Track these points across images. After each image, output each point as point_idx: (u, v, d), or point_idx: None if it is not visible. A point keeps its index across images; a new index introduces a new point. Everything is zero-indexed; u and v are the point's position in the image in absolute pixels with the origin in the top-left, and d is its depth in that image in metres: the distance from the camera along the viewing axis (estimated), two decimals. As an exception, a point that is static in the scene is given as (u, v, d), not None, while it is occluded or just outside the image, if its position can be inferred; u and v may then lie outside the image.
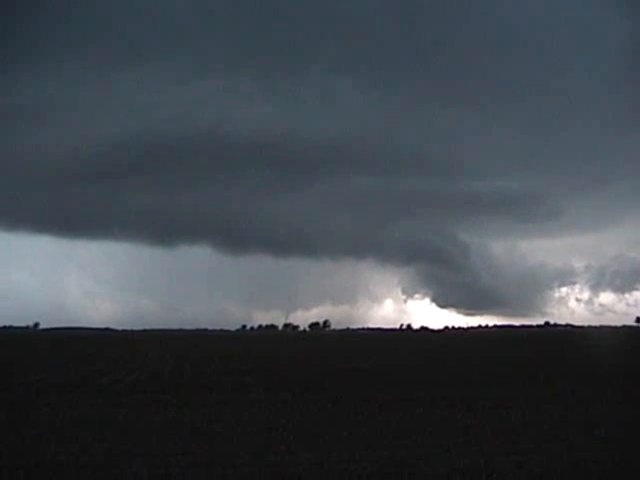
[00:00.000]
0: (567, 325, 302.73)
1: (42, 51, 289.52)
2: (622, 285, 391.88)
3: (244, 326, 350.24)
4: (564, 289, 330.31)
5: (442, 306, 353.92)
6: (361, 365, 51.65)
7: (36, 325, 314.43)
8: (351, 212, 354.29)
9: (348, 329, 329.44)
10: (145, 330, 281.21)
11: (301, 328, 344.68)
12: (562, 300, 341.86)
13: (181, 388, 34.45)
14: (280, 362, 57.39)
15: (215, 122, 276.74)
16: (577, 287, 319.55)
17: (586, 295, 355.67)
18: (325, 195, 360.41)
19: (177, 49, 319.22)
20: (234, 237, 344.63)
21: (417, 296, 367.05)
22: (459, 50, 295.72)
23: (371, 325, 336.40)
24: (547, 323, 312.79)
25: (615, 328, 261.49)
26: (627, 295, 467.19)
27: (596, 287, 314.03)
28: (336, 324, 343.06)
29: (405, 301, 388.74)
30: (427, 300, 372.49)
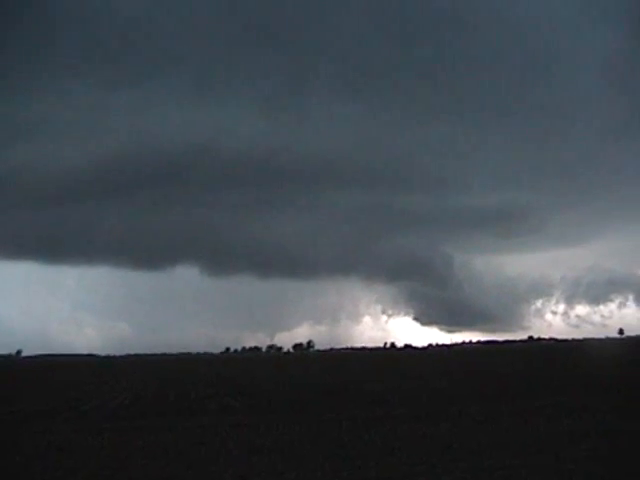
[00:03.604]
0: (550, 339, 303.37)
1: (40, 69, 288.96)
2: (597, 296, 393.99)
3: (228, 349, 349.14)
4: (540, 301, 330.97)
5: (425, 323, 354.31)
6: (344, 385, 51.47)
7: (19, 352, 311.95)
8: (335, 230, 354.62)
9: (332, 349, 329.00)
10: (128, 355, 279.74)
11: (285, 349, 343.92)
12: (539, 313, 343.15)
13: (164, 412, 34.20)
14: (264, 384, 57.10)
15: (203, 143, 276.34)
16: (553, 299, 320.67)
17: (562, 307, 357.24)
18: (310, 213, 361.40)
19: (176, 68, 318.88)
20: (219, 258, 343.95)
21: (400, 314, 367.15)
22: (447, 69, 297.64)
23: (355, 344, 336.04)
24: (531, 337, 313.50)
25: (599, 340, 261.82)
26: (602, 307, 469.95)
27: (571, 299, 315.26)
28: (320, 344, 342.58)
29: (388, 319, 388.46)
30: (410, 318, 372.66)
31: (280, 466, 17.72)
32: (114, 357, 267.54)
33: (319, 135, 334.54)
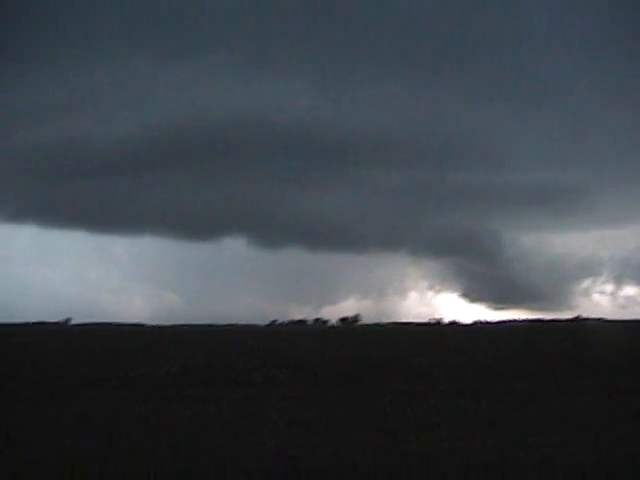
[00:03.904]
0: (598, 319, 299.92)
1: (91, 41, 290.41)
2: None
3: (274, 321, 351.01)
4: (587, 281, 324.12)
5: (472, 300, 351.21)
6: (390, 359, 51.32)
7: (68, 320, 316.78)
8: (384, 205, 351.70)
9: (378, 323, 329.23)
10: (176, 325, 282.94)
11: (331, 323, 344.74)
12: (586, 292, 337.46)
13: (211, 383, 34.50)
14: (309, 357, 57.18)
15: (254, 116, 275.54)
16: (601, 279, 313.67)
17: (609, 288, 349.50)
18: (359, 188, 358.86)
19: (227, 41, 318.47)
20: (267, 230, 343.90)
21: (447, 290, 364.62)
22: (495, 47, 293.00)
23: (401, 320, 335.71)
24: (578, 317, 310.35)
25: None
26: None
27: (619, 279, 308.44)
28: (366, 319, 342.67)
29: (434, 295, 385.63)
30: (456, 294, 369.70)
31: (319, 439, 17.90)
32: (162, 327, 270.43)
33: (370, 111, 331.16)
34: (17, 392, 30.33)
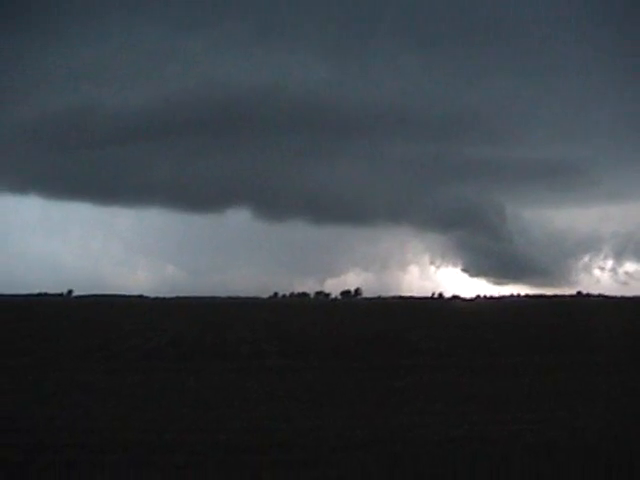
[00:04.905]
0: (599, 295, 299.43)
1: (105, 10, 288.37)
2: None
3: (276, 294, 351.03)
4: (588, 257, 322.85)
5: (473, 275, 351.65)
6: (387, 333, 51.30)
7: (70, 292, 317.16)
8: (391, 178, 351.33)
9: (380, 297, 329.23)
10: (176, 297, 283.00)
11: (333, 296, 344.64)
12: (586, 268, 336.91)
13: (198, 355, 34.51)
14: (305, 330, 57.19)
15: (263, 88, 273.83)
16: (602, 254, 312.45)
17: (610, 263, 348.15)
18: (366, 161, 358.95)
19: (241, 12, 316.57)
20: (272, 203, 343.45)
21: (448, 264, 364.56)
22: (510, 25, 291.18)
23: (403, 294, 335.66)
24: (579, 293, 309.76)
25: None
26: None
27: (620, 255, 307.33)
28: (367, 292, 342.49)
29: (436, 269, 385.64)
30: (458, 269, 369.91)
31: (294, 412, 17.75)
32: (164, 299, 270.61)
33: (379, 84, 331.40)
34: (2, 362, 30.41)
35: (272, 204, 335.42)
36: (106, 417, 17.26)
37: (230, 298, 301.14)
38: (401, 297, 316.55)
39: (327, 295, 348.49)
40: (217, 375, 26.17)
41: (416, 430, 15.26)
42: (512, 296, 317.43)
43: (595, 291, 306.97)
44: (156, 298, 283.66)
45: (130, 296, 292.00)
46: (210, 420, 16.86)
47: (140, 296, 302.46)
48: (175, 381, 24.44)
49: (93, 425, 16.14)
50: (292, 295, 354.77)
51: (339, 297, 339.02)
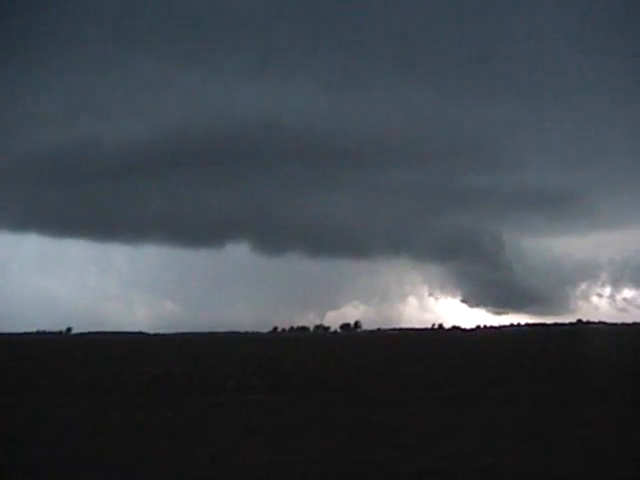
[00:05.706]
0: (600, 322, 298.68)
1: (105, 44, 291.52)
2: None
3: (275, 328, 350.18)
4: (585, 284, 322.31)
5: (473, 305, 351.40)
6: (380, 366, 50.89)
7: (69, 330, 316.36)
8: (388, 209, 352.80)
9: (379, 329, 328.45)
10: (177, 334, 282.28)
11: (332, 329, 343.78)
12: (584, 295, 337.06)
13: (184, 390, 34.16)
14: (293, 365, 56.71)
15: (262, 120, 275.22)
16: (599, 281, 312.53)
17: (607, 290, 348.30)
18: (363, 192, 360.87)
19: (240, 44, 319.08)
20: (270, 236, 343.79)
21: (447, 295, 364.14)
22: (507, 52, 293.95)
23: (403, 325, 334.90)
24: (579, 321, 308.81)
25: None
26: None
27: (618, 282, 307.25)
28: (367, 325, 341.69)
29: (435, 301, 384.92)
30: (457, 300, 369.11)
31: (265, 447, 17.45)
32: (163, 335, 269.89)
33: (375, 113, 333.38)
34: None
35: (271, 237, 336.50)
36: (75, 454, 17.04)
37: (231, 333, 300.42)
38: (401, 329, 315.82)
39: (326, 329, 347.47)
40: (198, 410, 25.88)
41: (389, 463, 15.00)
42: (512, 325, 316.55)
43: (595, 318, 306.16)
44: (156, 334, 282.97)
45: (130, 333, 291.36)
46: (179, 456, 16.63)
47: (140, 333, 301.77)
48: (154, 416, 24.18)
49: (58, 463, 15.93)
50: (292, 329, 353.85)
51: (339, 330, 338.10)
